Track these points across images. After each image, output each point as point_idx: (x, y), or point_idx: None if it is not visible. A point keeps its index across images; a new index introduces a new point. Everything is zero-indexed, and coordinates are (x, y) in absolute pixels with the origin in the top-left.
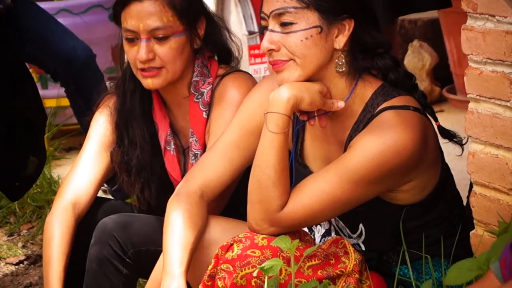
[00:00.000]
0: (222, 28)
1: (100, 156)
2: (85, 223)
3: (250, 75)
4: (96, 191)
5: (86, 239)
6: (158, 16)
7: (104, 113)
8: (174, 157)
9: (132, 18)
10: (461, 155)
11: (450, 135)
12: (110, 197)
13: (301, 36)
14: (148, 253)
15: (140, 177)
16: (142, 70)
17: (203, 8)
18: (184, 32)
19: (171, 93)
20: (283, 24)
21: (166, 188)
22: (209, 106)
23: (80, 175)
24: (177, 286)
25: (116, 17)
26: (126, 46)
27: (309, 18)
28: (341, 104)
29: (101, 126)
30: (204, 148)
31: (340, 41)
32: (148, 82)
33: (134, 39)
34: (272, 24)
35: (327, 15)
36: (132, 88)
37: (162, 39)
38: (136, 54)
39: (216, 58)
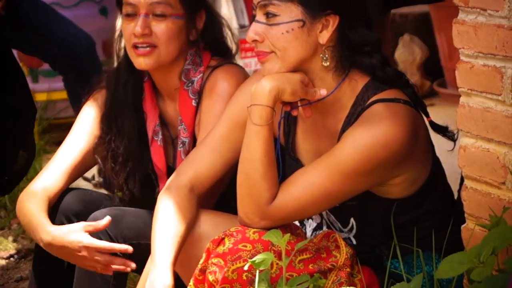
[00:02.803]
0: (222, 26)
1: (80, 147)
2: (64, 213)
3: (242, 68)
4: (68, 179)
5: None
6: None
7: (92, 107)
8: (161, 147)
9: None
10: (452, 149)
11: (442, 129)
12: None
13: (283, 29)
14: (139, 246)
15: (126, 167)
16: (136, 47)
17: (205, 1)
18: (183, 17)
19: (163, 82)
20: (267, 16)
21: (151, 180)
22: (199, 95)
23: (54, 165)
24: (163, 277)
25: None
26: (124, 22)
27: (292, 12)
28: (323, 92)
29: (87, 118)
30: (192, 136)
31: (324, 36)
32: (140, 61)
33: (132, 14)
34: (259, 15)
35: (311, 10)
36: (125, 79)
37: (160, 16)
38: (132, 29)
39: (212, 54)
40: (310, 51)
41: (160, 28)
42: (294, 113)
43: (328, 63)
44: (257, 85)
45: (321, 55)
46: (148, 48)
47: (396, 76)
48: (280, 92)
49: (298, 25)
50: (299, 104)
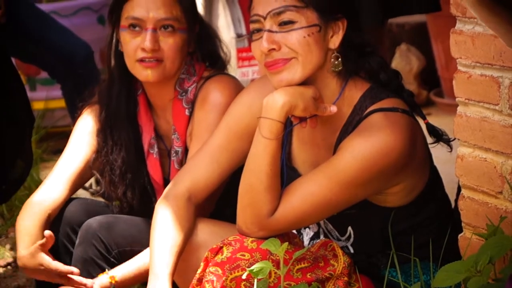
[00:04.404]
0: (213, 37)
1: (79, 159)
2: (68, 223)
3: (235, 78)
4: (69, 192)
5: (66, 239)
6: (168, 8)
7: (87, 120)
8: (157, 160)
9: (141, 7)
10: (450, 151)
11: (438, 134)
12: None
13: (304, 33)
14: (133, 253)
15: (124, 179)
16: (142, 61)
17: (199, 14)
18: (186, 30)
19: (158, 95)
20: (283, 23)
21: (148, 192)
22: (192, 104)
23: (54, 178)
24: (162, 287)
25: (116, 8)
26: (127, 36)
27: (309, 17)
28: (333, 109)
29: (83, 131)
30: (185, 146)
31: (335, 41)
32: (148, 73)
33: (137, 27)
34: (269, 25)
35: (325, 15)
36: (118, 90)
37: (169, 31)
38: (139, 43)
39: (207, 64)
40: (324, 57)
41: (168, 43)
42: (303, 125)
43: (340, 67)
44: (269, 97)
45: (332, 60)
46: (154, 61)
47: (395, 75)
48: (292, 108)
49: (316, 30)
50: (307, 117)
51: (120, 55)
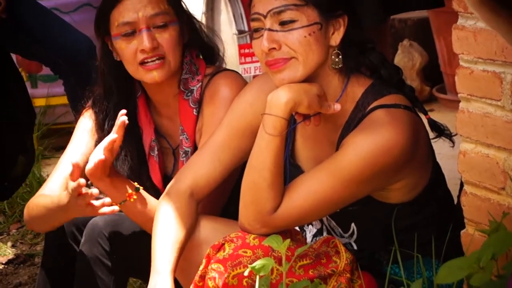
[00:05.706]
0: (201, 29)
1: (81, 158)
2: (74, 223)
3: (239, 73)
4: None
5: (71, 238)
6: (155, 3)
7: (89, 119)
8: (156, 163)
9: (129, 11)
10: (453, 146)
11: (440, 129)
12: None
13: (304, 33)
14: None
15: None
16: (144, 63)
17: (184, 4)
18: (177, 22)
19: (160, 92)
20: (284, 23)
21: (152, 193)
22: (199, 103)
23: (58, 175)
24: (164, 283)
25: (103, 19)
26: (122, 44)
27: (310, 15)
28: (337, 107)
29: (84, 130)
30: (194, 146)
31: (336, 37)
32: (154, 75)
33: (132, 33)
34: (270, 23)
35: (325, 12)
36: (116, 101)
37: (162, 27)
38: (136, 46)
39: (201, 55)
40: (325, 55)
41: (165, 38)
42: (307, 123)
43: (340, 65)
44: (273, 94)
45: (333, 57)
46: (157, 61)
47: (395, 71)
48: (296, 105)
49: (317, 28)
50: (311, 114)
51: (115, 66)
